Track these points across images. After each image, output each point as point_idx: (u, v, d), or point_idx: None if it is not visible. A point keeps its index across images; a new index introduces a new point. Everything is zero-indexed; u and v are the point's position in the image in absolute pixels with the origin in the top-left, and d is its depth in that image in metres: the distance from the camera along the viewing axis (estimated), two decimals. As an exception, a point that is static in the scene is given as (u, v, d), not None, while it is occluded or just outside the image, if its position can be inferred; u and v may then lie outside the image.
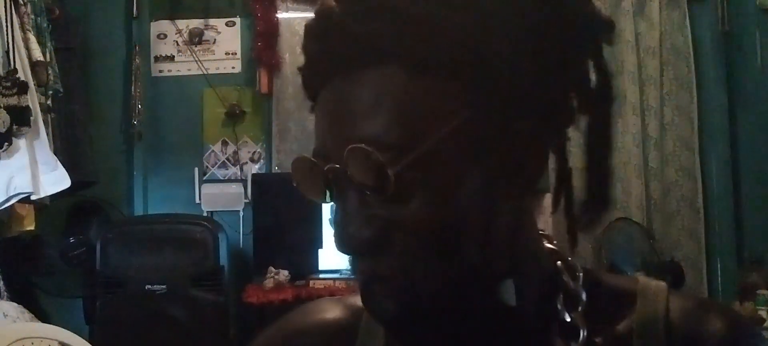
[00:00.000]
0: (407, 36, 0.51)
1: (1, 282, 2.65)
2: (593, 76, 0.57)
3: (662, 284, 0.61)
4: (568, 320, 0.57)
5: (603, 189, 0.58)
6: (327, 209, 3.57)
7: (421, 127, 0.51)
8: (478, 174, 0.52)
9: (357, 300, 0.62)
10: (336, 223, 0.54)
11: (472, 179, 0.52)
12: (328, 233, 3.54)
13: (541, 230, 0.62)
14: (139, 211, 3.77)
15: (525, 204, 0.58)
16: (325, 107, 0.55)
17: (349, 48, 0.52)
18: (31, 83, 2.61)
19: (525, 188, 0.56)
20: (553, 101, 0.55)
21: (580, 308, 0.58)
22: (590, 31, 0.56)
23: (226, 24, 3.94)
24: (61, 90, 2.94)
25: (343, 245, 0.53)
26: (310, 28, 0.56)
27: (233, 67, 3.94)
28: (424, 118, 0.51)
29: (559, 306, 0.58)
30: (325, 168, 0.53)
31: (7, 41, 2.55)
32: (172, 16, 3.93)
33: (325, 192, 0.55)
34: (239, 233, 3.75)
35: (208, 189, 3.81)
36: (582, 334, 0.57)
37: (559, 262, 0.60)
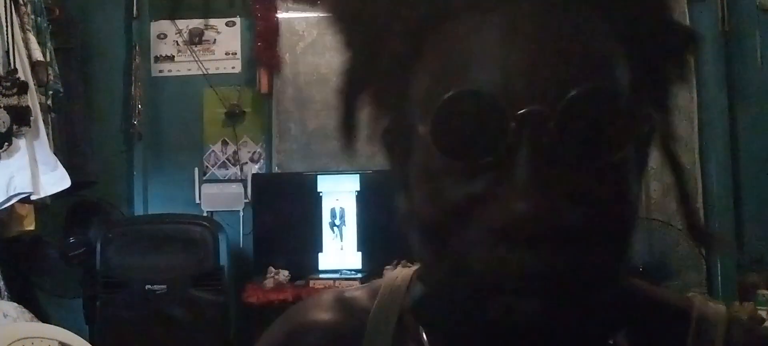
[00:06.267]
0: None
1: (1, 282, 2.65)
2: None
3: (721, 308, 0.53)
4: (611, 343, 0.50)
5: (691, 218, 0.52)
6: (327, 211, 3.58)
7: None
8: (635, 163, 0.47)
9: (360, 298, 0.59)
10: (492, 194, 0.42)
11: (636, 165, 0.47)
12: (327, 234, 3.54)
13: None
14: (139, 211, 3.77)
15: None
16: (508, 27, 0.43)
17: None
18: (31, 83, 2.61)
19: None
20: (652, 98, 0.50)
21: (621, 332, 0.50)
22: (682, 38, 0.52)
23: (226, 24, 3.94)
24: (61, 90, 2.94)
25: (509, 220, 0.40)
26: None
27: (233, 67, 3.94)
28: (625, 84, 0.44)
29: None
30: (527, 111, 0.40)
31: (7, 41, 2.55)
32: (172, 16, 3.93)
33: (488, 145, 0.41)
34: (239, 233, 3.75)
35: (208, 189, 3.81)
36: None
37: None
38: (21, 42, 2.63)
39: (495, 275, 0.41)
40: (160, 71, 3.95)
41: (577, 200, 0.41)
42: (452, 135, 0.42)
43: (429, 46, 0.45)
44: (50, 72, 2.81)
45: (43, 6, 2.90)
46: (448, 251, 0.44)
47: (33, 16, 2.77)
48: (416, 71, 0.46)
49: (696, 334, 0.50)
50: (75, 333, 2.10)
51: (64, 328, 2.09)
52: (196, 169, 3.85)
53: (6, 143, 2.50)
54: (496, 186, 0.41)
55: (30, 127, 2.56)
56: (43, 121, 2.68)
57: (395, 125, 0.50)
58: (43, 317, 2.73)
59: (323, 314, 0.59)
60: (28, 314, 2.40)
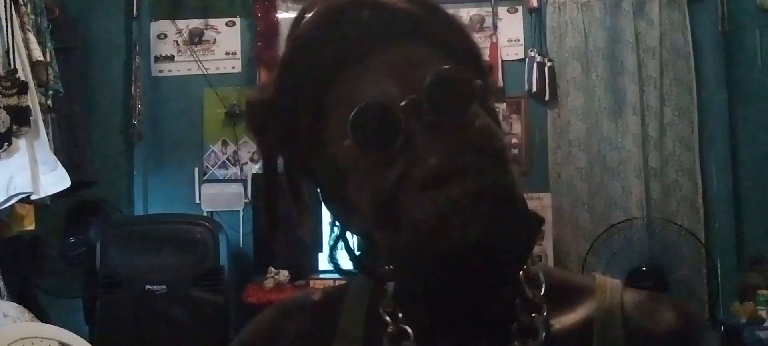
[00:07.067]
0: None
1: (1, 282, 2.65)
2: None
3: (617, 280, 0.67)
4: (524, 322, 0.61)
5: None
6: (327, 211, 3.58)
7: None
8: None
9: (340, 287, 0.73)
10: (410, 168, 0.56)
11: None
12: (327, 234, 3.55)
13: None
14: (139, 211, 3.77)
15: None
16: (380, 68, 0.60)
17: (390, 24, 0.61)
18: (31, 83, 2.61)
19: None
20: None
21: (538, 313, 0.62)
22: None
23: (226, 24, 3.94)
24: (61, 90, 2.94)
25: (428, 172, 0.55)
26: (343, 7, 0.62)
27: (233, 67, 3.95)
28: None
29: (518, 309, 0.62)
30: (406, 101, 0.57)
31: (7, 41, 2.55)
32: (172, 16, 3.93)
33: (392, 135, 0.57)
34: (239, 233, 3.75)
35: (208, 189, 3.81)
36: (540, 336, 0.61)
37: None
38: (21, 42, 2.63)
39: (440, 211, 0.55)
40: (160, 71, 3.95)
41: (465, 140, 0.56)
42: (367, 135, 0.57)
43: (330, 97, 0.62)
44: (50, 72, 2.81)
45: (43, 6, 2.90)
46: (399, 227, 0.57)
47: (33, 16, 2.77)
48: (326, 118, 0.62)
49: (599, 300, 0.64)
50: (75, 333, 2.10)
51: (64, 328, 2.09)
52: (196, 170, 3.85)
53: (6, 143, 2.50)
54: (410, 161, 0.56)
55: (30, 127, 2.56)
56: (43, 121, 2.68)
57: (317, 176, 0.70)
58: (43, 317, 2.73)
59: (307, 298, 0.74)
60: (28, 314, 2.39)
